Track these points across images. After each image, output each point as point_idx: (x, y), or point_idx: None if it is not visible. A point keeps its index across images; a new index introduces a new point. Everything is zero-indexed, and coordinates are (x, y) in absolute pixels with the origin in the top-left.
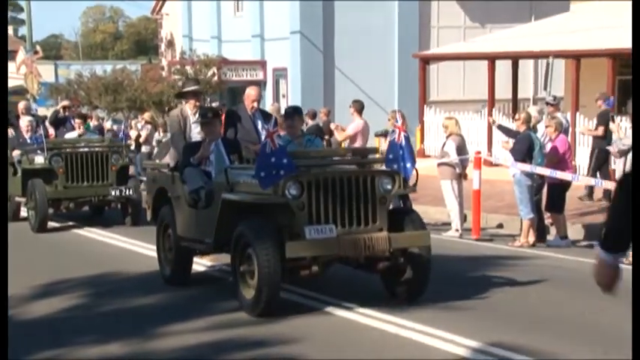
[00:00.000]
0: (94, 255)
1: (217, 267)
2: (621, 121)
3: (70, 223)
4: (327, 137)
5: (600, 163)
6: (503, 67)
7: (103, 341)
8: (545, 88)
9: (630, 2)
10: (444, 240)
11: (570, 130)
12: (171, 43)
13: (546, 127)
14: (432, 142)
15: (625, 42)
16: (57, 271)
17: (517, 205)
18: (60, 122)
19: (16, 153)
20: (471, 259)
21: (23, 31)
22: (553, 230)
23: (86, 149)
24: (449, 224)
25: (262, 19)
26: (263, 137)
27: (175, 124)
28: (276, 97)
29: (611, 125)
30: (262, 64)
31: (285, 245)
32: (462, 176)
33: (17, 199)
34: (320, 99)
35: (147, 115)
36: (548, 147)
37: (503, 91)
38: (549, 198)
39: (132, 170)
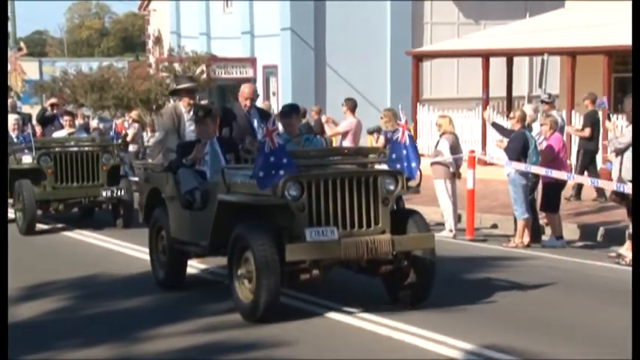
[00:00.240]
0: (84, 257)
1: (210, 269)
2: (617, 119)
3: (60, 225)
4: (318, 136)
5: (586, 164)
6: (498, 65)
7: (90, 344)
8: (540, 86)
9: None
10: (437, 240)
11: (566, 128)
12: (158, 40)
13: (541, 125)
14: (426, 141)
15: (621, 39)
16: (44, 273)
17: (512, 205)
18: (48, 120)
19: None
20: (464, 259)
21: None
22: (548, 230)
23: (76, 148)
24: (442, 224)
25: (252, 15)
26: (259, 135)
27: (169, 123)
28: (267, 95)
29: (608, 124)
30: (252, 61)
31: (284, 248)
32: (455, 175)
33: None
34: (311, 97)
35: (134, 114)
36: (544, 145)
37: (497, 88)
38: (544, 197)
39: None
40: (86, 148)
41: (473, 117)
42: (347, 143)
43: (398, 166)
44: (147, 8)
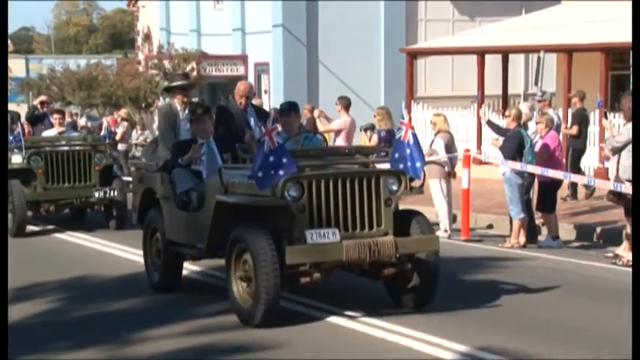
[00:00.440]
0: (75, 259)
1: (202, 271)
2: (614, 117)
3: (50, 227)
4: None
5: (576, 162)
6: (493, 62)
7: (80, 347)
8: (536, 84)
9: None
10: None
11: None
12: (148, 37)
13: (537, 123)
14: (420, 140)
15: (618, 36)
16: (34, 275)
17: (507, 205)
18: (38, 119)
19: None
20: (460, 260)
21: None
22: (544, 230)
23: (67, 148)
24: (437, 224)
25: (243, 11)
26: (256, 134)
27: (164, 121)
28: (258, 93)
29: (604, 122)
30: (243, 58)
31: (284, 250)
32: (450, 175)
33: None
34: (303, 95)
35: (123, 112)
36: (539, 144)
37: (493, 86)
38: (540, 197)
39: None
40: (77, 148)
41: (468, 115)
42: (340, 142)
43: (401, 165)
44: (136, 4)
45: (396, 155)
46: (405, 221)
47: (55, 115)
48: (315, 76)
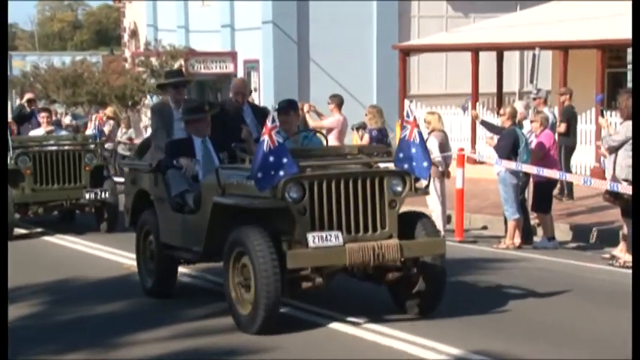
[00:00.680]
0: (64, 262)
1: (192, 274)
2: (611, 116)
3: (39, 230)
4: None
5: (569, 160)
6: (488, 60)
7: (66, 350)
8: (531, 82)
9: None
10: None
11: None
12: (134, 33)
13: (531, 122)
14: None
15: (615, 32)
16: (21, 278)
17: (502, 205)
18: (25, 118)
19: None
20: (454, 262)
21: None
22: (540, 231)
23: (56, 148)
24: None
25: (232, 8)
26: (254, 133)
27: (158, 119)
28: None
29: (601, 120)
30: (232, 55)
31: (285, 254)
32: (444, 175)
33: None
34: (294, 93)
35: (109, 111)
36: (534, 143)
37: (487, 84)
38: (535, 197)
39: None
40: (67, 147)
41: (462, 114)
42: (331, 140)
43: (406, 165)
44: (122, 0)
45: (401, 155)
46: (409, 223)
47: (43, 114)
48: (307, 74)
